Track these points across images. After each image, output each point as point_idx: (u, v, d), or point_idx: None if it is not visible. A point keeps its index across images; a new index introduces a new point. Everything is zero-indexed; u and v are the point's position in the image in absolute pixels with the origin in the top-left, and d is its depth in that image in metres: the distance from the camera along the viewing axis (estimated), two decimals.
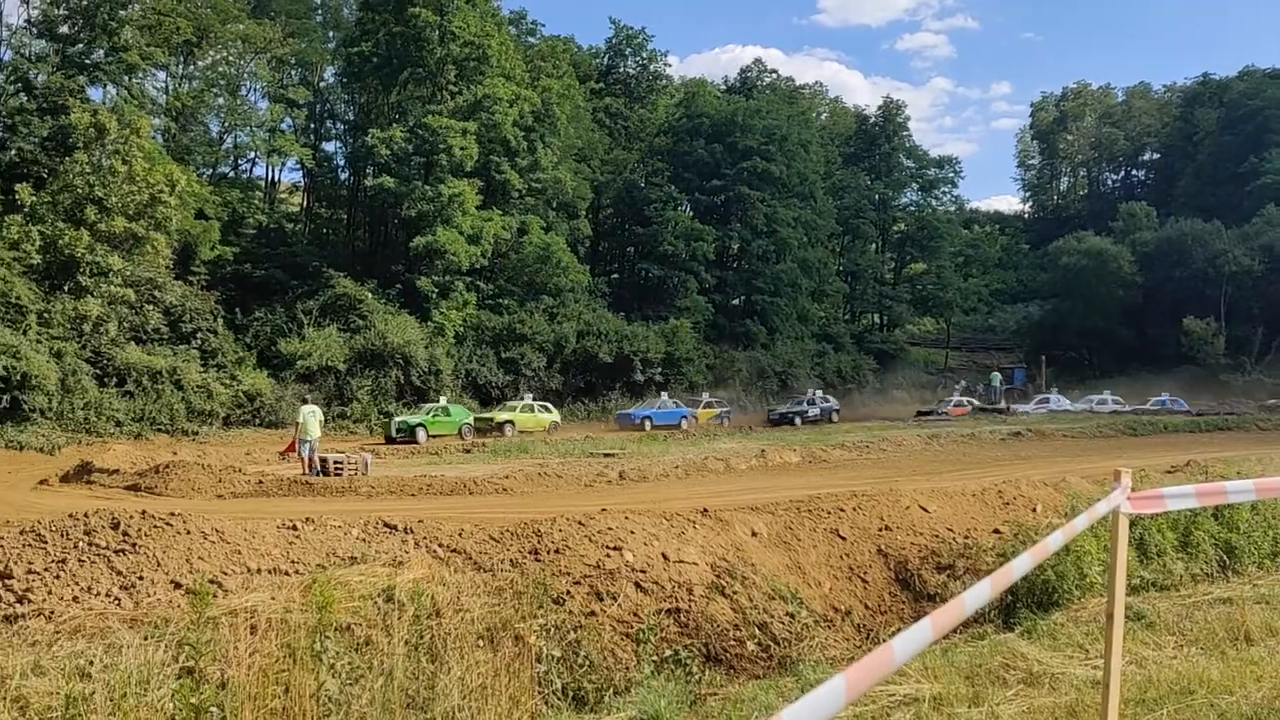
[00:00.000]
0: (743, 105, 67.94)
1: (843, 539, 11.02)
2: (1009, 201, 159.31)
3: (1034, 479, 14.21)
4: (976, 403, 55.93)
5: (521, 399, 45.23)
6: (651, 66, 75.67)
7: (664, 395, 48.52)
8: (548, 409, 45.18)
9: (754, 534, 10.77)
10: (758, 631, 8.92)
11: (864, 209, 78.39)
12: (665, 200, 63.06)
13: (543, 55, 62.12)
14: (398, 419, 39.69)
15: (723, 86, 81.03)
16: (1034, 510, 12.04)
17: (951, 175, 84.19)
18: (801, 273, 66.99)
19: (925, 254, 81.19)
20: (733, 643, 8.75)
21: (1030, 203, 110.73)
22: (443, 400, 42.72)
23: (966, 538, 11.01)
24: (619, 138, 70.30)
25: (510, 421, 41.98)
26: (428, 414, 40.73)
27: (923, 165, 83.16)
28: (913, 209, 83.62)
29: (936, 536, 11.13)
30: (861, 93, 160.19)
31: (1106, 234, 76.14)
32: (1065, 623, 8.22)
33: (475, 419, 42.19)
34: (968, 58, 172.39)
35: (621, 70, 74.84)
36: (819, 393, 54.55)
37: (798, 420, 48.79)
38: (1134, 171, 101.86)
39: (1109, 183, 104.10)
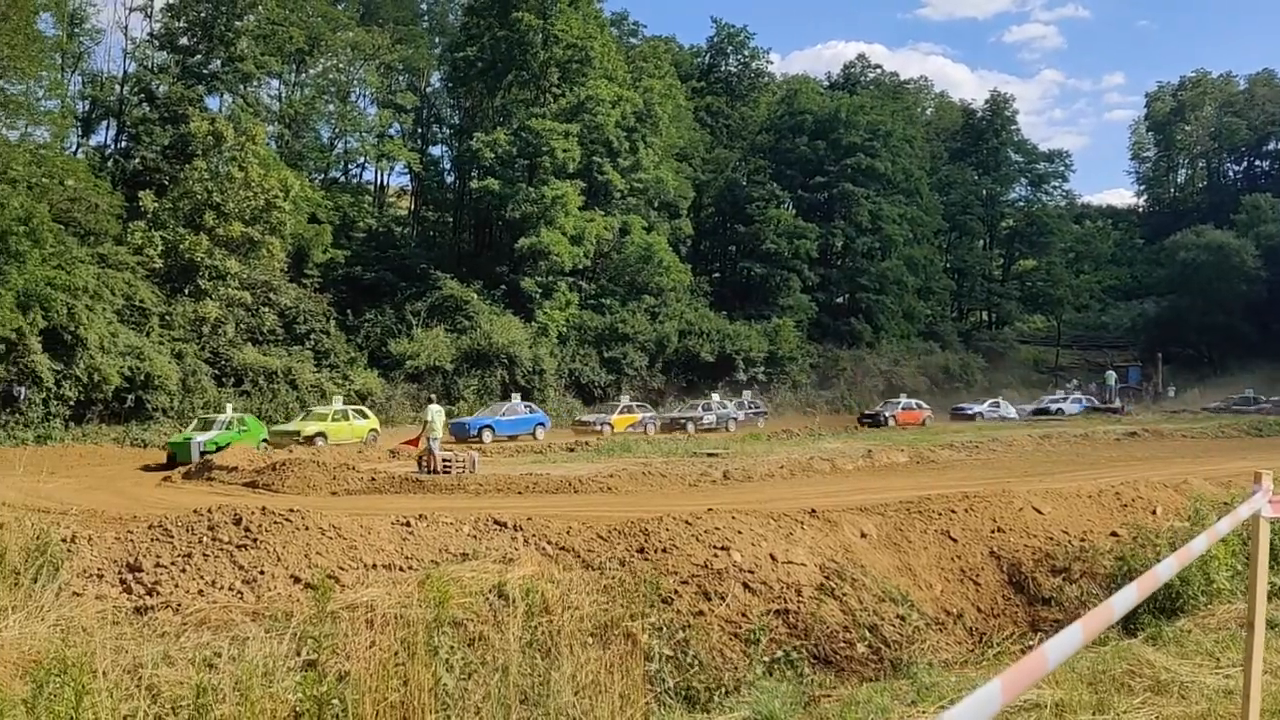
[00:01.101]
0: (846, 101, 67.22)
1: (954, 541, 10.84)
2: (1122, 195, 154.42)
3: (1153, 480, 13.79)
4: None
5: (330, 404, 37.66)
6: (753, 64, 75.43)
7: (515, 398, 41.22)
8: (364, 414, 37.78)
9: (863, 535, 10.66)
10: (868, 633, 8.83)
11: (971, 205, 76.98)
12: (767, 198, 62.71)
13: (644, 56, 62.29)
14: (174, 439, 31.93)
15: (825, 83, 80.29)
16: (1153, 513, 11.68)
17: (1062, 169, 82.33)
18: (907, 270, 66.05)
19: (1035, 250, 79.37)
20: (842, 644, 8.67)
21: (1145, 196, 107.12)
22: (229, 411, 34.58)
23: (1082, 540, 10.73)
24: (720, 136, 70.15)
25: (322, 434, 34.26)
26: (217, 429, 32.06)
27: (1032, 159, 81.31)
28: (1021, 204, 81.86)
29: (1051, 539, 10.87)
30: (967, 87, 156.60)
31: (1228, 227, 73.41)
32: (1193, 629, 7.95)
33: (271, 432, 34.48)
34: (1079, 48, 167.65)
35: (723, 69, 74.69)
36: (745, 397, 49.77)
37: (690, 427, 42.38)
38: (1258, 162, 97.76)
39: (1230, 174, 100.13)
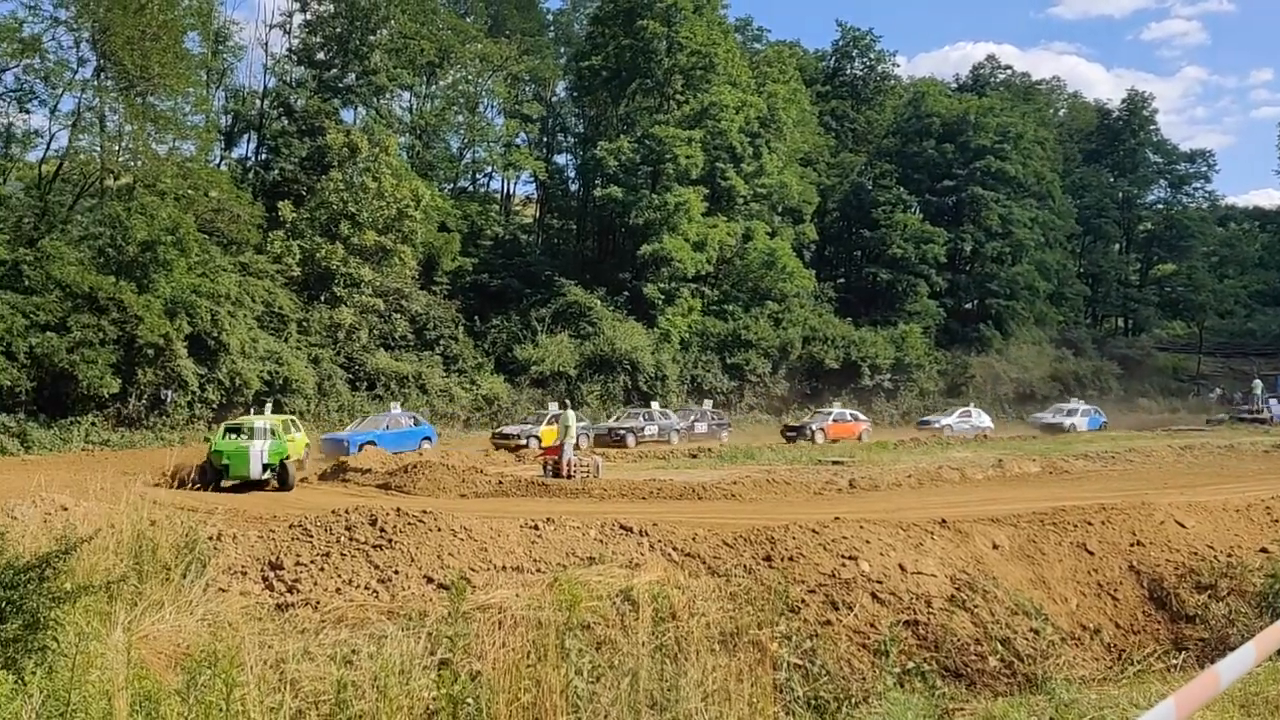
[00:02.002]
0: (975, 103, 65.84)
1: (1090, 553, 10.54)
2: (1271, 196, 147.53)
3: None
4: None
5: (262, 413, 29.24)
6: (879, 68, 74.48)
7: (394, 407, 36.81)
8: (296, 426, 29.12)
9: (995, 546, 10.44)
10: (1000, 647, 8.65)
11: (1106, 208, 74.68)
12: (894, 202, 61.82)
13: (768, 61, 61.99)
14: (222, 444, 23.51)
15: (953, 85, 78.79)
16: None
17: (1204, 170, 79.26)
18: (1038, 275, 64.40)
19: (1174, 254, 76.63)
20: (974, 657, 8.52)
21: None
22: (267, 412, 29.89)
23: (1230, 556, 10.32)
24: (845, 140, 69.45)
25: None
26: (260, 437, 23.79)
27: (1171, 160, 78.50)
28: (1160, 207, 79.16)
29: (1195, 554, 10.48)
30: (1103, 86, 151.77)
31: None
32: None
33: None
34: (1223, 44, 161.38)
35: (848, 72, 73.94)
36: (705, 407, 44.12)
37: (630, 439, 37.70)
38: None
39: None
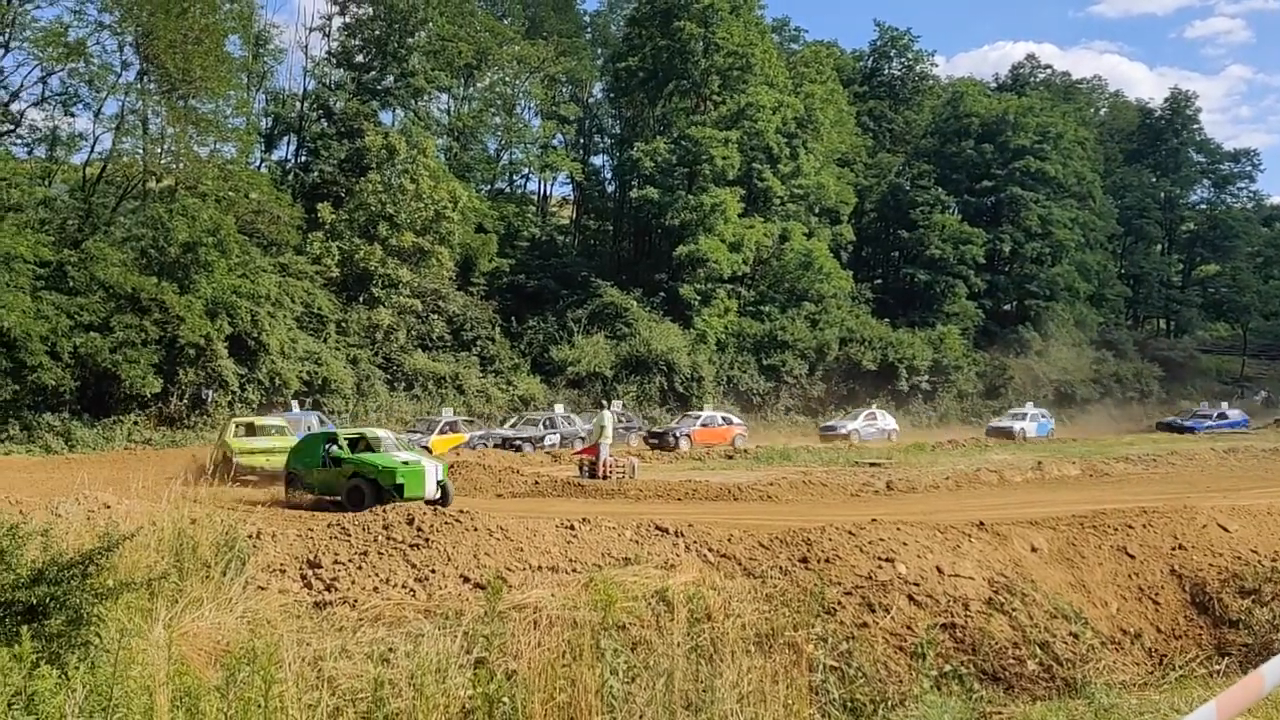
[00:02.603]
0: (1014, 103, 65.20)
1: (1131, 557, 10.43)
2: None
3: None
4: None
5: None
6: (917, 68, 73.96)
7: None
8: None
9: (1033, 549, 10.36)
10: (1039, 651, 8.57)
11: (1148, 208, 73.81)
12: (932, 203, 61.37)
13: (805, 61, 61.78)
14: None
15: (992, 84, 78.12)
16: None
17: (1249, 169, 78.13)
18: (1079, 276, 63.70)
19: (1218, 255, 75.62)
20: (1012, 661, 8.45)
21: None
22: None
23: (1274, 560, 10.18)
24: (883, 140, 69.06)
25: None
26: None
27: (1215, 160, 77.45)
28: (1204, 207, 78.18)
29: (1239, 558, 10.35)
30: (1145, 85, 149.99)
31: None
32: None
33: None
34: (1269, 41, 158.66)
35: (886, 72, 73.50)
36: (617, 405, 39.58)
37: (527, 448, 34.05)
38: None
39: None
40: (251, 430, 26.44)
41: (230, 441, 25.15)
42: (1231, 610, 9.54)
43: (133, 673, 5.60)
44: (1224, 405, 51.80)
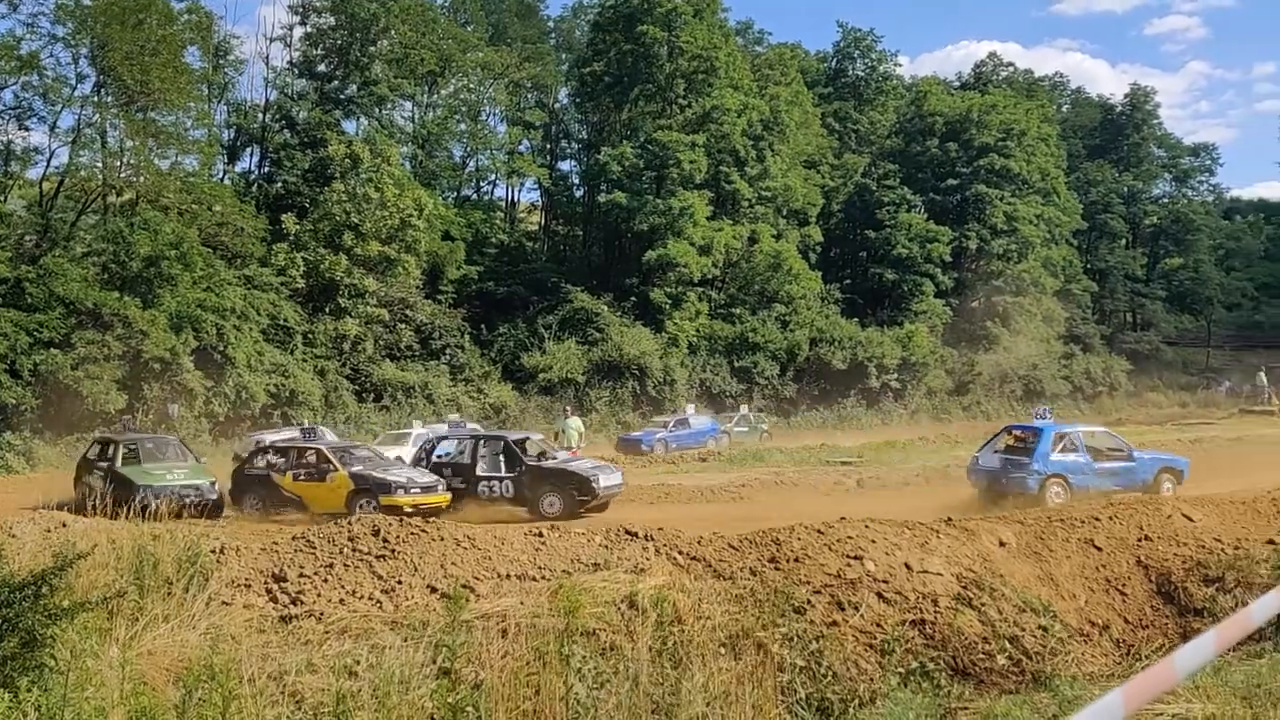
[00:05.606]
0: (977, 101, 65.58)
1: (1098, 549, 10.47)
2: (1275, 188, 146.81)
3: None
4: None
5: None
6: (880, 68, 74.13)
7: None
8: None
9: (1002, 544, 10.37)
10: (1008, 645, 8.58)
11: (1112, 203, 74.39)
12: (898, 202, 61.66)
13: (770, 63, 61.91)
14: None
15: (956, 84, 78.52)
16: None
17: (1208, 163, 79.29)
18: (1045, 271, 64.11)
19: (1180, 248, 76.45)
20: (981, 656, 8.45)
21: None
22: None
23: (1237, 549, 10.25)
24: (848, 142, 69.23)
25: None
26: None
27: (1176, 154, 78.35)
28: (1165, 201, 78.93)
29: (1203, 547, 10.41)
30: (1107, 82, 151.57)
31: None
32: None
33: None
34: (1225, 38, 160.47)
35: (850, 74, 73.65)
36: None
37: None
38: None
39: None
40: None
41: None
42: (1196, 599, 9.60)
43: (87, 694, 5.49)
44: (690, 409, 41.86)
